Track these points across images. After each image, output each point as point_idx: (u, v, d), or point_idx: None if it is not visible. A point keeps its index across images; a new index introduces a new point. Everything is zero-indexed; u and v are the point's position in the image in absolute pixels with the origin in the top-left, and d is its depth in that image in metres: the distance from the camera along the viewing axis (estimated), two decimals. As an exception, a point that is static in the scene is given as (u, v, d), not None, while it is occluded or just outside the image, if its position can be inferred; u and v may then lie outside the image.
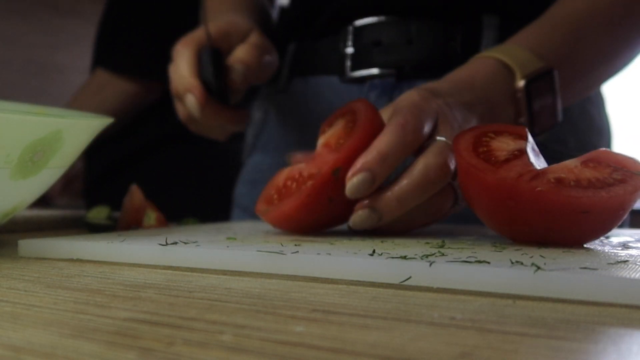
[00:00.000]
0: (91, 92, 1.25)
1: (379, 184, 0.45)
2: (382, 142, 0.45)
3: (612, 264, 0.33)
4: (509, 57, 0.55)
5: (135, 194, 0.60)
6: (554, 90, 0.55)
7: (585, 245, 0.41)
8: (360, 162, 0.44)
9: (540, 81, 0.54)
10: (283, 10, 0.82)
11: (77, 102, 1.25)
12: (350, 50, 0.70)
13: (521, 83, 0.53)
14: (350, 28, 0.70)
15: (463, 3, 0.67)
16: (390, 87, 0.69)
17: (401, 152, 0.45)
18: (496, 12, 0.66)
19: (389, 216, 0.45)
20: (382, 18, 0.68)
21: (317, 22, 0.73)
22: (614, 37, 0.61)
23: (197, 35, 0.65)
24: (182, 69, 0.62)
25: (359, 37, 0.69)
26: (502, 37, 0.65)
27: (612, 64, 0.63)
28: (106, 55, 1.26)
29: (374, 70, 0.69)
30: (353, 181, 0.44)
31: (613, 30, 0.61)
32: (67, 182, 1.34)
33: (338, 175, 0.45)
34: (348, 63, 0.70)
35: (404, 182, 0.44)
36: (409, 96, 0.49)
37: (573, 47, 0.58)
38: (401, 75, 0.68)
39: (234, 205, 0.86)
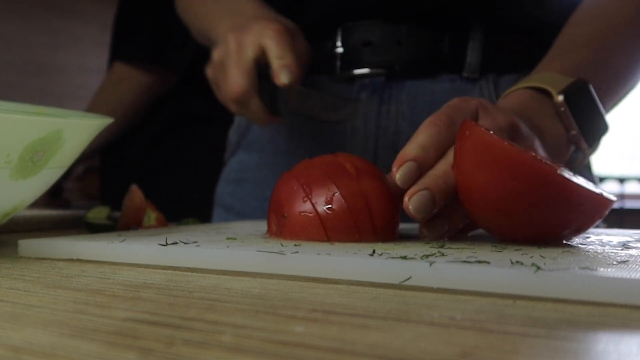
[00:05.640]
0: (110, 87, 1.26)
1: (425, 171, 0.45)
2: (417, 135, 0.46)
3: (612, 264, 0.33)
4: (539, 81, 0.55)
5: (135, 194, 0.60)
6: (594, 98, 0.56)
7: (581, 245, 0.41)
8: (400, 154, 0.45)
9: (577, 93, 0.55)
10: None
11: (97, 99, 1.26)
12: (339, 50, 0.70)
13: (560, 98, 0.54)
14: (339, 28, 0.70)
15: (450, 11, 0.68)
16: (380, 86, 0.69)
17: (437, 142, 0.46)
18: (482, 20, 0.68)
19: (438, 191, 0.44)
20: (371, 21, 0.69)
21: (300, 24, 0.72)
22: (634, 48, 0.63)
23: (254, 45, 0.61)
24: (242, 80, 0.61)
25: (349, 37, 0.69)
26: (487, 42, 0.68)
27: (637, 71, 0.65)
28: (122, 48, 1.27)
29: (364, 70, 0.69)
30: (401, 170, 0.44)
31: (632, 43, 0.63)
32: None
33: None
34: (337, 63, 0.70)
35: (439, 162, 0.45)
36: (450, 101, 0.49)
37: (597, 65, 0.60)
38: (391, 75, 0.69)
39: (215, 205, 0.84)
